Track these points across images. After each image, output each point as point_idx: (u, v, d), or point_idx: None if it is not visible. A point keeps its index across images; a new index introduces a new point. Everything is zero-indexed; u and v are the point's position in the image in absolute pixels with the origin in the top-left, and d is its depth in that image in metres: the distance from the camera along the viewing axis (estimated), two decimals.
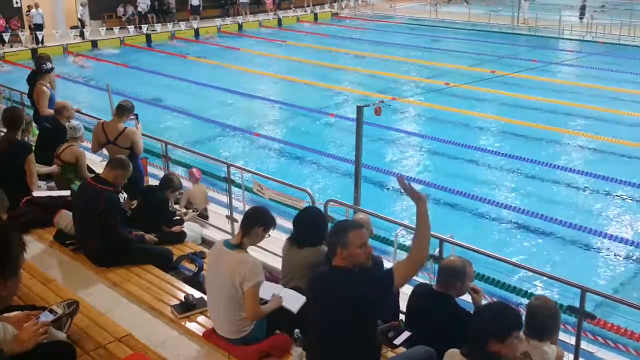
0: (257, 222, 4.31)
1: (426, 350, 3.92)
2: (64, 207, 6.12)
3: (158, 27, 27.68)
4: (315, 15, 33.46)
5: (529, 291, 7.16)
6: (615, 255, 8.68)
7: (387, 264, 6.48)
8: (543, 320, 3.80)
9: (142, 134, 7.38)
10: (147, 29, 27.28)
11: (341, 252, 3.56)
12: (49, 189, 7.01)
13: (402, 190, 3.58)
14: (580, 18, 27.68)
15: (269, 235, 4.45)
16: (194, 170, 8.19)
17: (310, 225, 4.98)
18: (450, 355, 3.45)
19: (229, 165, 7.75)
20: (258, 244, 4.63)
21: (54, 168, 7.19)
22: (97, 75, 20.60)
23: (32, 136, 8.45)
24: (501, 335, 3.22)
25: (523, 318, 3.97)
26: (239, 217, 4.72)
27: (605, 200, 10.40)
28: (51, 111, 8.39)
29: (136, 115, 7.29)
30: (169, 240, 6.17)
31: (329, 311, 3.58)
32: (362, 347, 3.61)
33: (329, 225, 5.85)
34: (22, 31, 24.98)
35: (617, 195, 10.47)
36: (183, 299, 4.91)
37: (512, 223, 9.57)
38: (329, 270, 3.66)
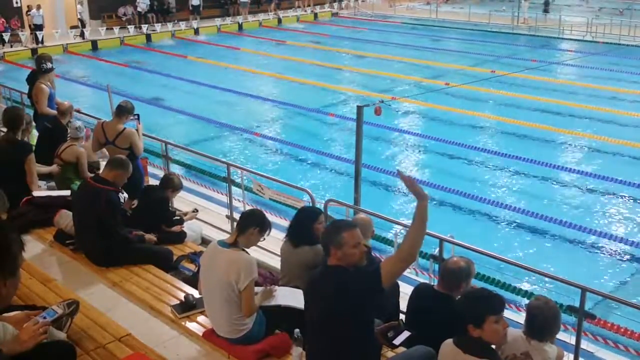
0: (252, 222, 4.32)
1: (426, 350, 3.92)
2: (64, 207, 6.12)
3: (158, 26, 27.69)
4: (315, 15, 33.47)
5: (529, 291, 7.16)
6: (615, 255, 8.68)
7: None
8: (544, 321, 3.79)
9: (142, 134, 7.37)
10: (147, 29, 27.28)
11: (335, 252, 3.57)
12: (49, 189, 7.01)
13: (405, 185, 3.55)
14: (545, 12, 27.89)
15: (264, 239, 4.44)
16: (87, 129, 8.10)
17: (298, 224, 5.04)
18: (445, 345, 3.54)
19: (229, 165, 7.75)
20: (258, 244, 4.62)
21: (54, 168, 7.20)
22: (97, 75, 20.61)
23: (32, 136, 8.44)
24: (477, 321, 3.34)
25: (523, 318, 3.99)
26: (238, 217, 4.74)
27: (605, 200, 10.39)
28: (50, 110, 8.40)
29: (137, 115, 7.28)
30: (169, 240, 6.17)
31: (326, 311, 3.59)
32: (361, 346, 3.61)
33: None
34: (22, 31, 24.98)
35: (617, 195, 10.47)
36: (183, 299, 4.91)
37: (511, 223, 9.57)
38: (324, 270, 3.66)
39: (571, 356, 4.96)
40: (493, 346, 3.48)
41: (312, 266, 4.53)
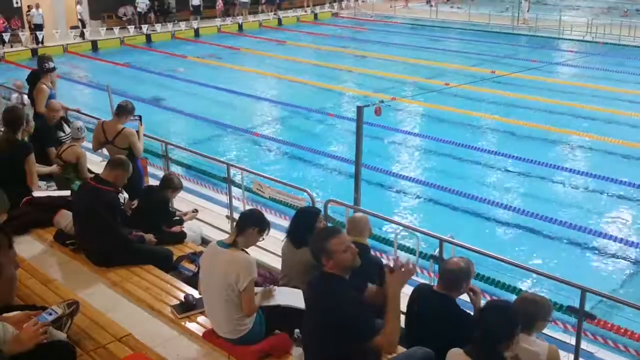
0: (251, 223, 4.32)
1: (424, 351, 3.91)
2: (64, 207, 6.12)
3: (158, 27, 27.69)
4: (315, 15, 33.46)
5: (529, 291, 7.16)
6: (615, 255, 8.68)
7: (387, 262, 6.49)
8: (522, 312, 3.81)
9: (143, 135, 7.35)
10: (147, 29, 27.28)
11: (328, 262, 3.58)
12: (49, 189, 7.00)
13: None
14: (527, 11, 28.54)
15: (263, 239, 4.45)
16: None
17: (298, 225, 5.03)
18: (454, 355, 3.46)
19: (229, 165, 7.75)
20: (257, 244, 4.62)
21: (54, 168, 7.20)
22: (97, 75, 20.62)
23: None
24: (512, 338, 3.33)
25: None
26: (238, 217, 4.75)
27: (605, 200, 10.39)
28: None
29: (140, 117, 7.26)
30: (169, 240, 6.17)
31: (320, 317, 3.59)
32: (357, 350, 3.60)
33: (328, 224, 5.87)
34: (22, 31, 24.99)
35: (617, 195, 10.47)
36: (183, 299, 4.91)
37: (511, 223, 9.57)
38: (321, 278, 3.66)
39: (571, 356, 4.96)
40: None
41: (312, 266, 4.53)
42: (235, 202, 7.70)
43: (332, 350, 3.54)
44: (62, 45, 24.72)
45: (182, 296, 4.97)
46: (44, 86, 8.47)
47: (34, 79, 8.85)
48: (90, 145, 7.71)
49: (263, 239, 4.44)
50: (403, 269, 3.53)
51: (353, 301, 3.54)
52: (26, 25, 25.44)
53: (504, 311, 3.47)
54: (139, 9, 28.20)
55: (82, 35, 25.97)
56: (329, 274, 3.59)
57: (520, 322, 3.38)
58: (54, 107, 7.87)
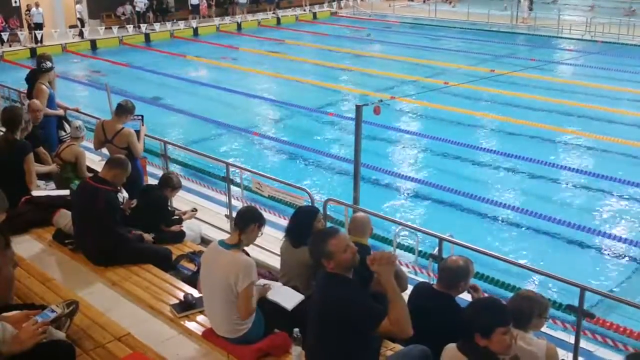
0: (252, 219, 4.33)
1: (422, 349, 3.92)
2: (63, 206, 6.11)
3: (157, 26, 27.67)
4: (314, 14, 33.44)
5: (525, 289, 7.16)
6: (614, 254, 8.68)
7: None
8: (516, 308, 3.81)
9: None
10: (145, 28, 27.26)
11: (328, 263, 3.57)
12: (48, 188, 7.00)
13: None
14: (530, 10, 28.45)
15: (262, 234, 4.45)
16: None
17: (296, 225, 5.03)
18: (448, 349, 3.49)
19: (228, 165, 7.75)
20: (256, 243, 4.63)
21: (53, 167, 7.19)
22: (96, 74, 20.60)
23: None
24: (485, 331, 3.29)
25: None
26: (235, 216, 4.76)
27: (605, 200, 10.39)
28: (49, 110, 8.39)
29: (141, 117, 7.25)
30: (168, 239, 6.17)
31: (327, 317, 3.59)
32: (358, 349, 3.60)
33: (328, 224, 5.87)
34: (21, 30, 24.97)
35: (617, 195, 10.47)
36: (182, 298, 4.91)
37: (511, 222, 9.57)
38: (326, 277, 3.65)
39: (570, 355, 4.97)
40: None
41: (312, 266, 4.53)
42: (234, 202, 7.69)
43: (337, 347, 3.54)
44: (61, 44, 24.69)
45: (181, 295, 4.97)
46: (44, 86, 8.45)
47: (32, 79, 8.85)
48: (90, 145, 7.71)
49: (262, 233, 4.45)
50: (381, 258, 3.48)
51: (359, 297, 3.53)
52: (25, 25, 25.41)
53: (485, 303, 3.59)
54: (137, 8, 28.18)
55: (81, 34, 25.95)
56: (333, 274, 3.59)
57: (508, 319, 3.35)
58: (34, 107, 7.86)
